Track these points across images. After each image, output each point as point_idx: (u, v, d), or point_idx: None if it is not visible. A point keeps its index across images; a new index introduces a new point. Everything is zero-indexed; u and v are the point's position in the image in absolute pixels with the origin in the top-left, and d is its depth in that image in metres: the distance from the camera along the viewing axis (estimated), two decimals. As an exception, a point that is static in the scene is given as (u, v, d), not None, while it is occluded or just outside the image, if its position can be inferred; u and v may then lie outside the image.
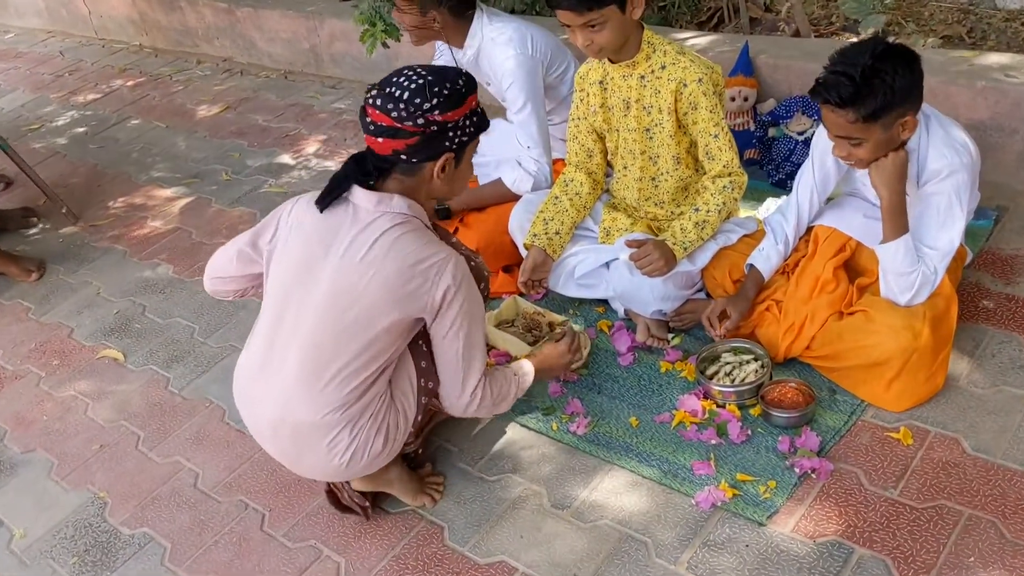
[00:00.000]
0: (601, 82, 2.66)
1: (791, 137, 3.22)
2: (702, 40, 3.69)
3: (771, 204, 3.08)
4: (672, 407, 2.46)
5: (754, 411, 2.38)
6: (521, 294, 2.91)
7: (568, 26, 2.42)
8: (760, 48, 3.48)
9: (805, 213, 2.57)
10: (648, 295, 2.60)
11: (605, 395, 2.56)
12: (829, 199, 2.64)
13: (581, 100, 2.75)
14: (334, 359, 2.01)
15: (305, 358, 2.03)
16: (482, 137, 3.47)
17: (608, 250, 2.75)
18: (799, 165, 2.88)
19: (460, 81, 1.99)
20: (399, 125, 1.93)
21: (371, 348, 2.01)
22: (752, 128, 3.40)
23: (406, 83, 1.95)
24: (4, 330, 3.47)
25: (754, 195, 3.17)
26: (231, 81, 5.36)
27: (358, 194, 2.02)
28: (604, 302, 2.86)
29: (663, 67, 2.53)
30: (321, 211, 2.03)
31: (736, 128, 3.41)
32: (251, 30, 5.34)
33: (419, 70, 1.99)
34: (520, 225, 2.90)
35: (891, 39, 3.48)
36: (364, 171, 2.03)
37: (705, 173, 2.63)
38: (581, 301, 2.89)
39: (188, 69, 5.65)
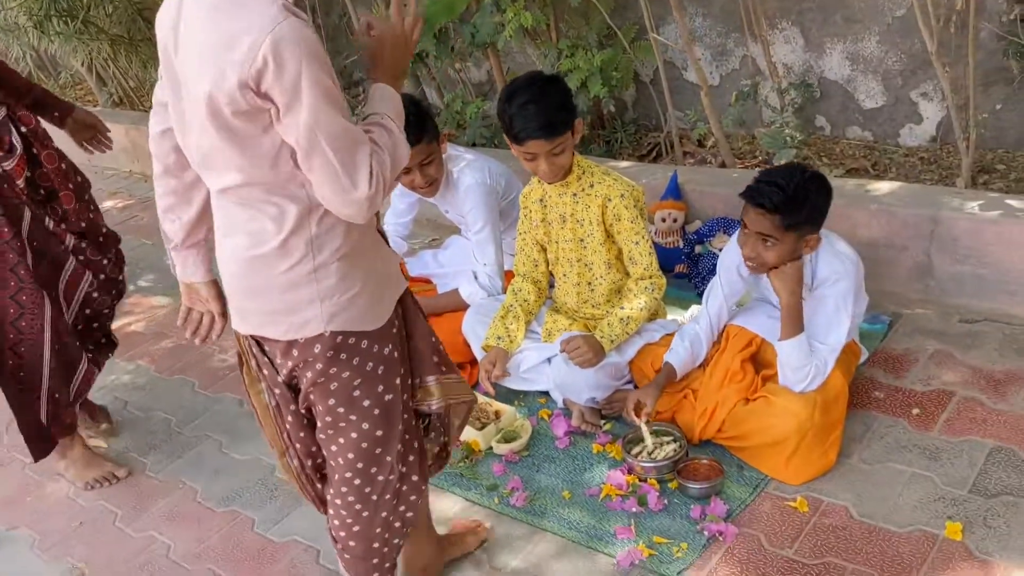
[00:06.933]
0: (541, 200, 3.07)
1: (714, 253, 3.63)
2: (638, 168, 4.16)
3: (695, 311, 3.46)
4: (601, 482, 2.76)
5: (672, 485, 2.69)
6: (473, 386, 3.23)
7: (534, 155, 2.80)
8: (688, 177, 3.95)
9: (715, 319, 2.90)
10: (582, 384, 2.94)
11: (543, 473, 2.86)
12: (740, 305, 3.02)
13: (525, 216, 3.16)
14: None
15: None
16: (440, 251, 3.90)
17: (549, 348, 3.11)
18: (719, 277, 3.27)
19: None
20: None
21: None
22: (681, 246, 3.82)
23: None
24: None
25: (682, 303, 3.55)
26: (214, 203, 5.75)
27: None
28: (545, 393, 3.19)
29: (592, 185, 2.95)
30: None
31: (666, 246, 3.82)
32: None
33: None
34: (472, 328, 3.26)
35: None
36: None
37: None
38: (525, 392, 3.22)
39: (174, 192, 6.07)
